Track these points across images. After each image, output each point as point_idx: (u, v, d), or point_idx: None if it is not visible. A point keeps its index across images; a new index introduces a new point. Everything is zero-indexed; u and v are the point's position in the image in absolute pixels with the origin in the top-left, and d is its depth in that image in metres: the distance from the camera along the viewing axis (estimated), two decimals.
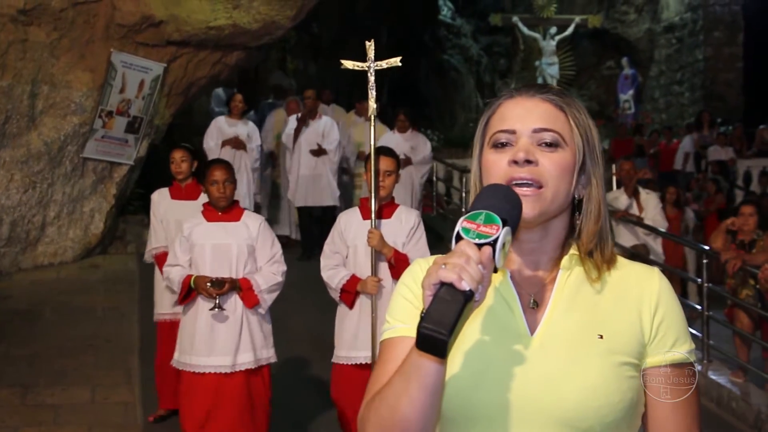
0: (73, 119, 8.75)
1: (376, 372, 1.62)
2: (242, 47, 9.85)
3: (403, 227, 5.08)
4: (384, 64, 5.02)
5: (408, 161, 10.00)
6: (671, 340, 1.59)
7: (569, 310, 1.60)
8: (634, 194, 9.04)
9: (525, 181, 1.56)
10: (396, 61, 5.02)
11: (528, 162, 1.56)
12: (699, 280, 7.32)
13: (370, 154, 5.06)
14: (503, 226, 1.38)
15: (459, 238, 1.39)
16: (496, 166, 1.60)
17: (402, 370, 1.45)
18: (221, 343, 4.97)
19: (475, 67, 21.41)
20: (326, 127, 10.32)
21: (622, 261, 1.68)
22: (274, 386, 5.28)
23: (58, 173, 8.84)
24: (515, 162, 1.57)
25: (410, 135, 10.48)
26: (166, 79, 9.43)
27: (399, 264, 4.91)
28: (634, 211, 8.96)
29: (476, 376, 1.55)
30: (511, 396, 1.53)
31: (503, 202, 1.44)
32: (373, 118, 5.10)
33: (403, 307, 1.66)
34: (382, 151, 5.27)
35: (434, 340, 1.30)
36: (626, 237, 9.13)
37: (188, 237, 5.08)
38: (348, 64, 5.06)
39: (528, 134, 1.59)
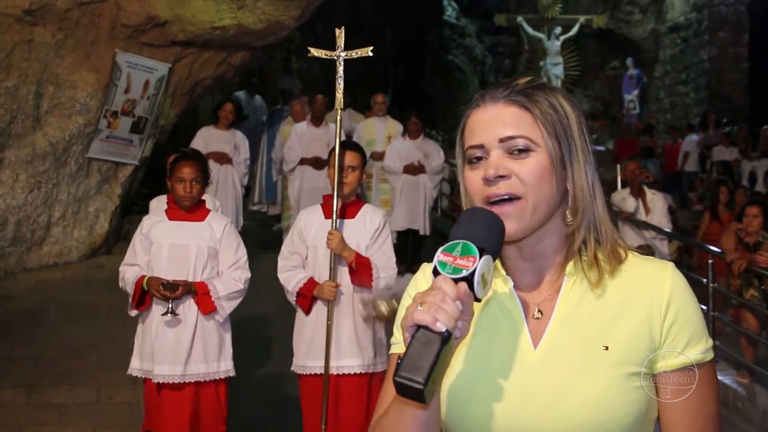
0: (78, 119, 8.75)
1: (384, 387, 1.62)
2: (247, 47, 9.84)
3: (368, 229, 4.74)
4: (354, 53, 4.76)
5: (421, 168, 9.62)
6: (684, 341, 1.51)
7: (573, 321, 1.54)
8: (639, 195, 9.02)
9: (502, 198, 1.51)
10: (367, 51, 4.75)
11: (501, 177, 1.51)
12: (705, 280, 7.31)
13: (333, 148, 4.73)
14: (481, 256, 1.35)
15: (437, 272, 1.36)
16: (473, 185, 1.55)
17: (396, 401, 1.44)
18: (170, 350, 4.62)
19: (479, 68, 21.41)
20: (332, 136, 9.48)
21: (633, 259, 1.59)
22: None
23: (63, 173, 8.84)
24: (488, 179, 1.52)
25: (422, 141, 9.87)
26: (171, 79, 9.43)
27: (360, 269, 4.60)
28: (641, 212, 8.94)
29: (475, 389, 1.53)
30: (511, 411, 1.49)
31: (481, 230, 1.40)
32: (339, 111, 4.83)
33: None
34: (347, 145, 4.97)
35: (410, 389, 1.28)
36: (631, 238, 9.11)
37: (147, 235, 4.77)
38: (316, 52, 4.80)
39: (496, 146, 1.53)
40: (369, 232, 4.72)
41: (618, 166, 11.35)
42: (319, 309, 4.69)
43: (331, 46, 4.78)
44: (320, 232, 4.68)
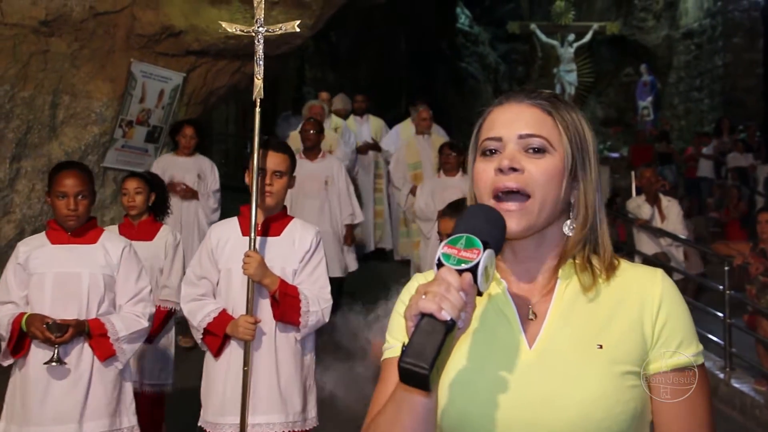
0: (93, 129, 8.80)
1: (377, 392, 1.63)
2: None
3: (296, 250, 3.83)
4: (277, 28, 4.02)
5: None
6: (675, 343, 1.55)
7: (568, 321, 1.56)
8: (655, 202, 9.00)
9: (511, 191, 1.53)
10: (293, 25, 4.04)
11: (513, 170, 1.53)
12: (721, 287, 7.28)
13: (253, 149, 3.85)
14: (484, 249, 1.36)
15: (440, 264, 1.37)
16: (484, 175, 1.58)
17: (393, 398, 1.45)
18: (60, 408, 3.71)
19: (493, 75, 21.41)
20: (331, 172, 8.08)
21: (624, 265, 1.63)
22: None
23: None
24: (501, 170, 1.54)
25: (461, 179, 7.81)
26: (186, 88, 9.47)
27: (285, 300, 3.68)
28: (657, 219, 8.91)
29: (473, 390, 1.54)
30: (508, 411, 1.51)
31: (484, 224, 1.42)
32: (258, 101, 3.99)
33: (401, 325, 1.60)
34: (272, 145, 3.97)
35: (415, 374, 1.29)
36: (647, 245, 9.09)
37: (24, 264, 3.82)
38: (229, 27, 4.09)
39: (514, 140, 1.56)
40: (298, 254, 3.83)
41: (633, 173, 11.32)
42: (233, 350, 3.79)
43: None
44: (235, 252, 3.76)
